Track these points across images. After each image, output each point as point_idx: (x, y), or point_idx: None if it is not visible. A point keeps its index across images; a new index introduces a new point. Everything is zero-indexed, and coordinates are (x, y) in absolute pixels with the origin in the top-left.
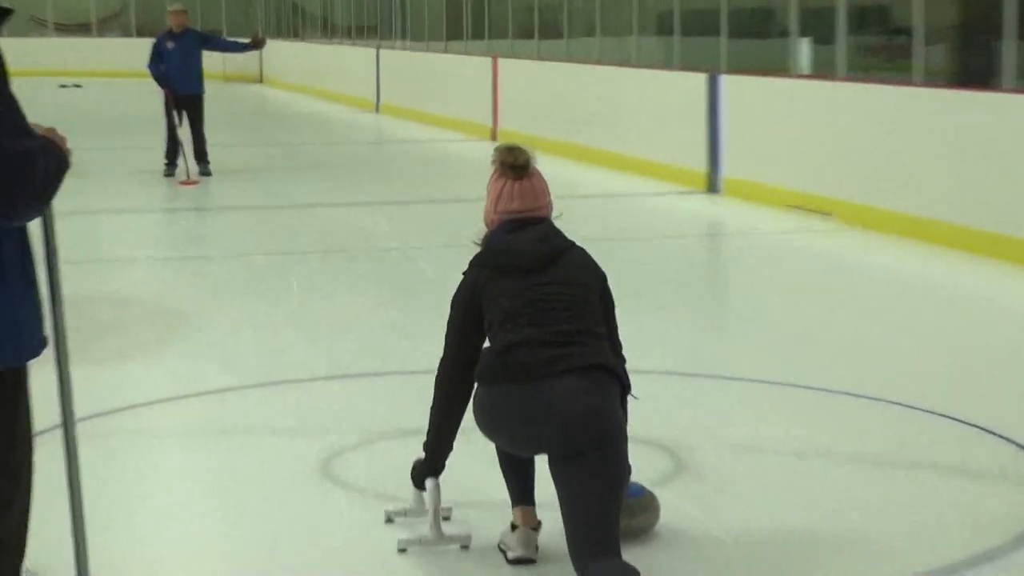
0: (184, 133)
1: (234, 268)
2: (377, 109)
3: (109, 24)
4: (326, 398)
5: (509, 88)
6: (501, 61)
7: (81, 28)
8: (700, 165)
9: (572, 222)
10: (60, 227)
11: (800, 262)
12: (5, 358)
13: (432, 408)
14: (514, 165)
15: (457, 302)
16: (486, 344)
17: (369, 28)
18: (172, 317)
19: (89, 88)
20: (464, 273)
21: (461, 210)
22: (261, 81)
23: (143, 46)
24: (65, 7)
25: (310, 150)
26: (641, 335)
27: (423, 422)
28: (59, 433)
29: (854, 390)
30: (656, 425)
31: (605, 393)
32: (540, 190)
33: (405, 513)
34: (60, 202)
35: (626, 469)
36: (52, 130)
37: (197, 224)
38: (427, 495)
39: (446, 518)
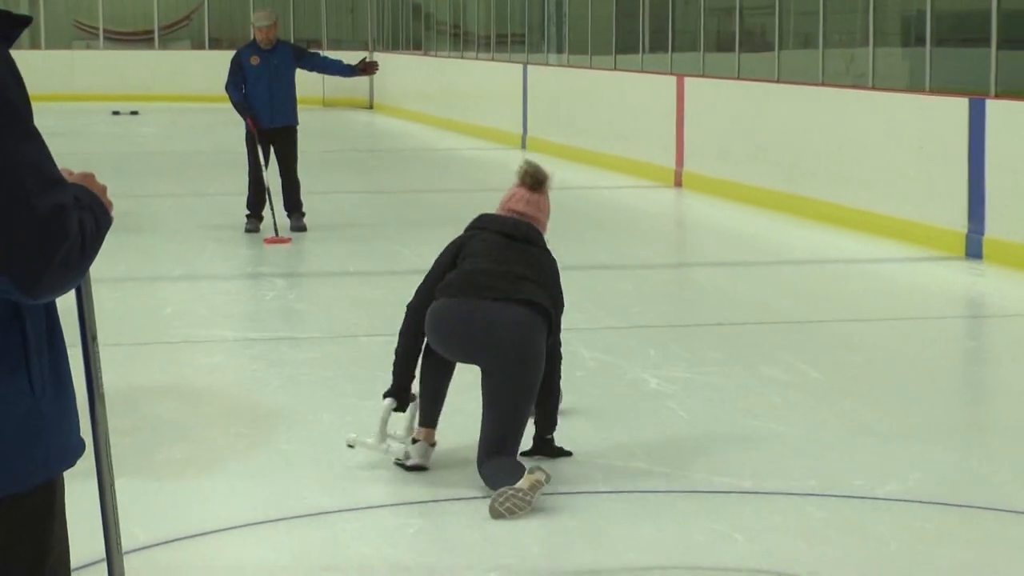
0: (272, 177)
1: (335, 354)
2: (523, 144)
3: (175, 33)
4: (456, 524)
5: (698, 117)
6: (688, 82)
7: (140, 38)
8: (957, 224)
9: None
10: (111, 297)
11: None
12: (32, 472)
13: (400, 332)
14: (534, 178)
15: (445, 248)
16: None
17: (514, 39)
18: (255, 418)
19: (149, 115)
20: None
21: (648, 281)
22: (371, 107)
23: (219, 62)
24: (119, 11)
25: (435, 200)
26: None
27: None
28: (104, 569)
29: None
30: None
31: (533, 327)
32: (544, 207)
33: (361, 441)
34: (111, 265)
35: (531, 389)
36: (89, 176)
37: (288, 295)
38: (382, 405)
39: (420, 468)
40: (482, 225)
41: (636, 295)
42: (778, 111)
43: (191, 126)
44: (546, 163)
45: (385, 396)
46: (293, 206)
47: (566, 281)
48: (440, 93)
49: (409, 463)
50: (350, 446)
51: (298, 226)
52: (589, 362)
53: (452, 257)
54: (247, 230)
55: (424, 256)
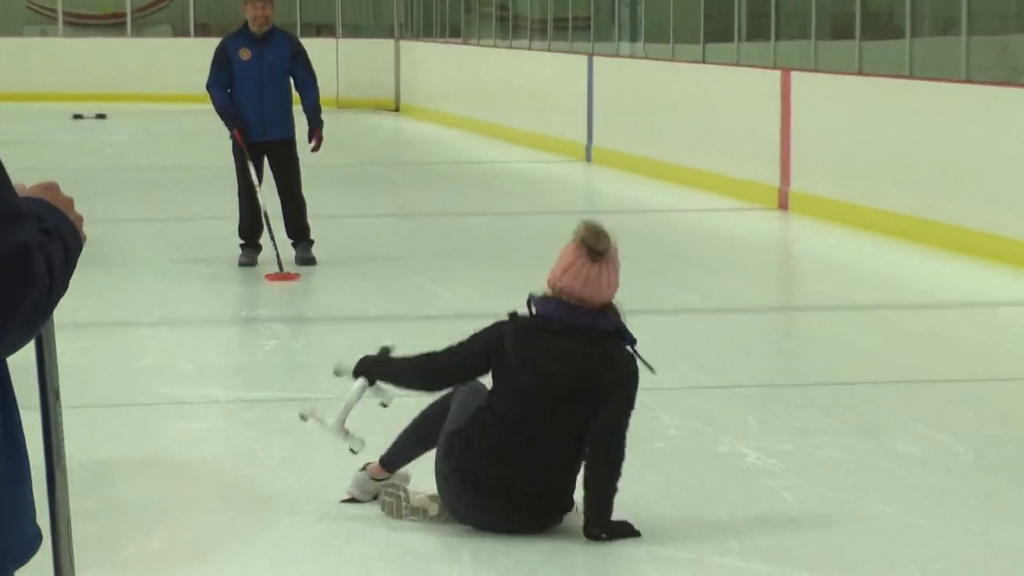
0: (270, 197)
1: (352, 420)
2: (588, 156)
3: (152, 17)
4: None
5: (809, 121)
6: (796, 77)
7: (108, 23)
8: None
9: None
10: (71, 348)
11: None
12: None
13: (415, 356)
14: (593, 249)
15: (483, 338)
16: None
17: (577, 24)
18: (251, 501)
19: (119, 120)
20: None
21: (747, 328)
22: (397, 109)
23: (206, 53)
24: None
25: (477, 227)
26: None
27: None
28: None
29: None
30: None
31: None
32: (607, 283)
33: (318, 417)
34: (71, 308)
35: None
36: (51, 188)
37: (292, 345)
38: (352, 387)
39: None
40: (524, 340)
41: (731, 346)
42: (910, 114)
43: (171, 133)
44: (614, 182)
45: (359, 365)
46: (298, 233)
47: (641, 328)
48: (483, 92)
49: (348, 493)
50: (303, 418)
51: (305, 258)
52: (671, 430)
53: (481, 355)
54: (241, 263)
55: (463, 298)
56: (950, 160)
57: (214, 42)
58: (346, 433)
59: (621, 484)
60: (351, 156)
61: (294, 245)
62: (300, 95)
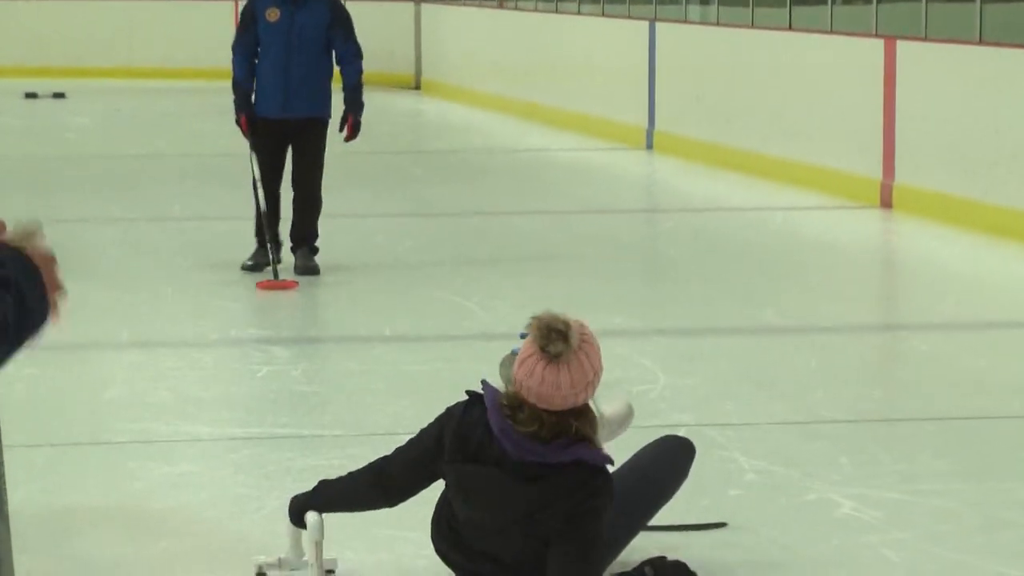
0: (265, 191)
1: (364, 461)
2: (649, 143)
3: None
4: None
5: (916, 101)
6: (903, 47)
7: None
8: None
9: None
10: (25, 375)
11: None
12: None
13: (353, 473)
14: (544, 348)
15: (420, 442)
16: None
17: None
18: (241, 558)
19: (80, 99)
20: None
21: (842, 352)
22: (417, 87)
23: (193, 16)
24: None
25: (514, 227)
26: None
27: None
28: None
29: None
30: None
31: None
32: (568, 384)
33: (279, 564)
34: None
35: None
36: (33, 236)
37: (291, 371)
38: (307, 532)
39: (330, 571)
40: (467, 450)
41: (822, 374)
42: None
43: (144, 115)
44: (680, 175)
45: (298, 507)
46: (302, 238)
47: (710, 352)
48: (521, 65)
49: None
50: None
51: (307, 266)
52: (749, 475)
53: (422, 461)
54: (251, 263)
55: (497, 314)
56: None
57: (194, 5)
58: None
59: (689, 544)
60: (361, 144)
61: (293, 250)
62: (340, 71)
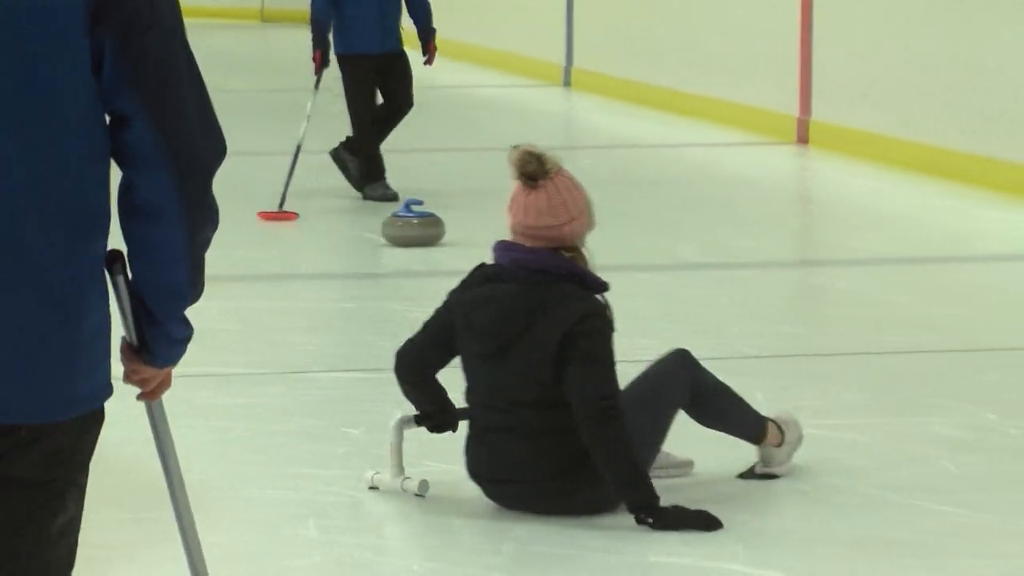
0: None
1: (283, 399)
2: (566, 80)
3: None
4: None
5: (833, 35)
6: None
7: None
8: None
9: None
10: None
11: None
12: (97, 391)
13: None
14: (523, 173)
15: (440, 310)
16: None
17: None
18: (157, 499)
19: None
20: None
21: (756, 288)
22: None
23: None
24: None
25: (433, 162)
26: None
27: None
28: None
29: None
30: None
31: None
32: (547, 207)
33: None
34: None
35: None
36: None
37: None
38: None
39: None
40: (464, 290)
41: (737, 309)
42: (959, 26)
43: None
44: (597, 112)
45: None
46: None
47: (628, 288)
48: (440, 1)
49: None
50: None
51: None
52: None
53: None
54: (374, 197)
55: (415, 251)
56: (1006, 84)
57: None
58: (404, 481)
59: None
60: (275, 80)
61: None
62: (410, 5)
